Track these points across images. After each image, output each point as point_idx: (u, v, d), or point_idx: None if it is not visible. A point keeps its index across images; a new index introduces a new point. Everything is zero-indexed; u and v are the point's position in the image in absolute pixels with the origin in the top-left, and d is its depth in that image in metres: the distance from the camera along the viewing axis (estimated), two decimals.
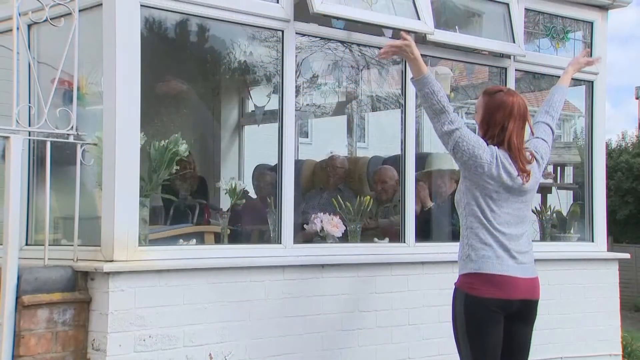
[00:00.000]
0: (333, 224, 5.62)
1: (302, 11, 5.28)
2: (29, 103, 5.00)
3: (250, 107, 8.08)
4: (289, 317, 5.13)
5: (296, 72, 5.44)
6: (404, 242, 5.80)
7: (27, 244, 5.08)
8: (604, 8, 6.92)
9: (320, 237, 5.64)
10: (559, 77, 4.79)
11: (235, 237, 5.63)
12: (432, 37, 5.78)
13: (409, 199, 5.82)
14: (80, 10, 4.70)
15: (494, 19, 6.40)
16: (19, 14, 4.68)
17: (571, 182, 7.55)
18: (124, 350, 4.46)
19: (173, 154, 4.95)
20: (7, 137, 4.43)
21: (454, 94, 7.28)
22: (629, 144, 22.95)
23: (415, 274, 5.74)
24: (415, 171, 5.95)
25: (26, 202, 5.04)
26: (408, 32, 4.89)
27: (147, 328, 4.54)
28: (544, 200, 7.04)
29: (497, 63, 6.48)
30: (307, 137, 16.23)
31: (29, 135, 4.85)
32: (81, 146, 4.69)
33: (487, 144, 4.06)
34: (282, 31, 5.27)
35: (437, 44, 6.02)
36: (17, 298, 4.33)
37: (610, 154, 20.55)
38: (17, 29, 4.67)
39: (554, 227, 6.97)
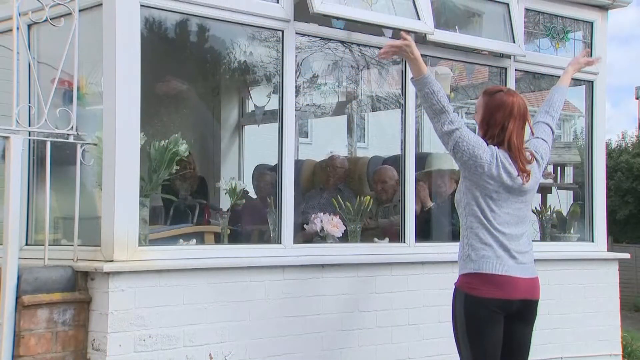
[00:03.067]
0: (333, 224, 5.62)
1: (302, 11, 5.28)
2: (29, 103, 5.00)
3: (250, 107, 8.08)
4: (289, 317, 5.13)
5: (296, 72, 5.44)
6: (404, 242, 5.80)
7: (27, 244, 5.08)
8: (604, 8, 6.92)
9: (320, 237, 5.64)
10: (559, 77, 4.79)
11: (235, 237, 5.63)
12: (432, 37, 5.78)
13: (409, 199, 5.82)
14: (80, 10, 4.70)
15: (494, 19, 6.40)
16: (19, 14, 4.68)
17: (571, 182, 7.55)
18: (124, 350, 4.46)
19: (173, 154, 4.95)
20: (7, 137, 4.43)
21: (454, 94, 7.28)
22: (628, 144, 22.96)
23: (415, 274, 5.73)
24: (415, 171, 5.95)
25: (26, 202, 5.04)
26: (408, 32, 4.89)
27: (147, 328, 4.54)
28: (544, 200, 7.04)
29: (497, 63, 6.48)
30: (307, 137, 16.22)
31: (29, 135, 4.85)
32: (81, 146, 4.69)
33: (487, 144, 4.06)
34: (282, 31, 5.27)
35: (437, 44, 6.02)
36: (17, 298, 4.33)
37: (610, 154, 20.56)
38: (17, 29, 4.67)
39: (554, 227, 6.97)
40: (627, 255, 7.31)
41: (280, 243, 5.22)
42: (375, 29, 5.79)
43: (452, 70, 7.03)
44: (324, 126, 12.25)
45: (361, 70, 7.35)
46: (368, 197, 5.90)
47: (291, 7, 5.24)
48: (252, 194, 6.50)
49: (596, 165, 6.92)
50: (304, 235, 5.68)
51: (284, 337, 5.11)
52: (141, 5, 4.67)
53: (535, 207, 6.83)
